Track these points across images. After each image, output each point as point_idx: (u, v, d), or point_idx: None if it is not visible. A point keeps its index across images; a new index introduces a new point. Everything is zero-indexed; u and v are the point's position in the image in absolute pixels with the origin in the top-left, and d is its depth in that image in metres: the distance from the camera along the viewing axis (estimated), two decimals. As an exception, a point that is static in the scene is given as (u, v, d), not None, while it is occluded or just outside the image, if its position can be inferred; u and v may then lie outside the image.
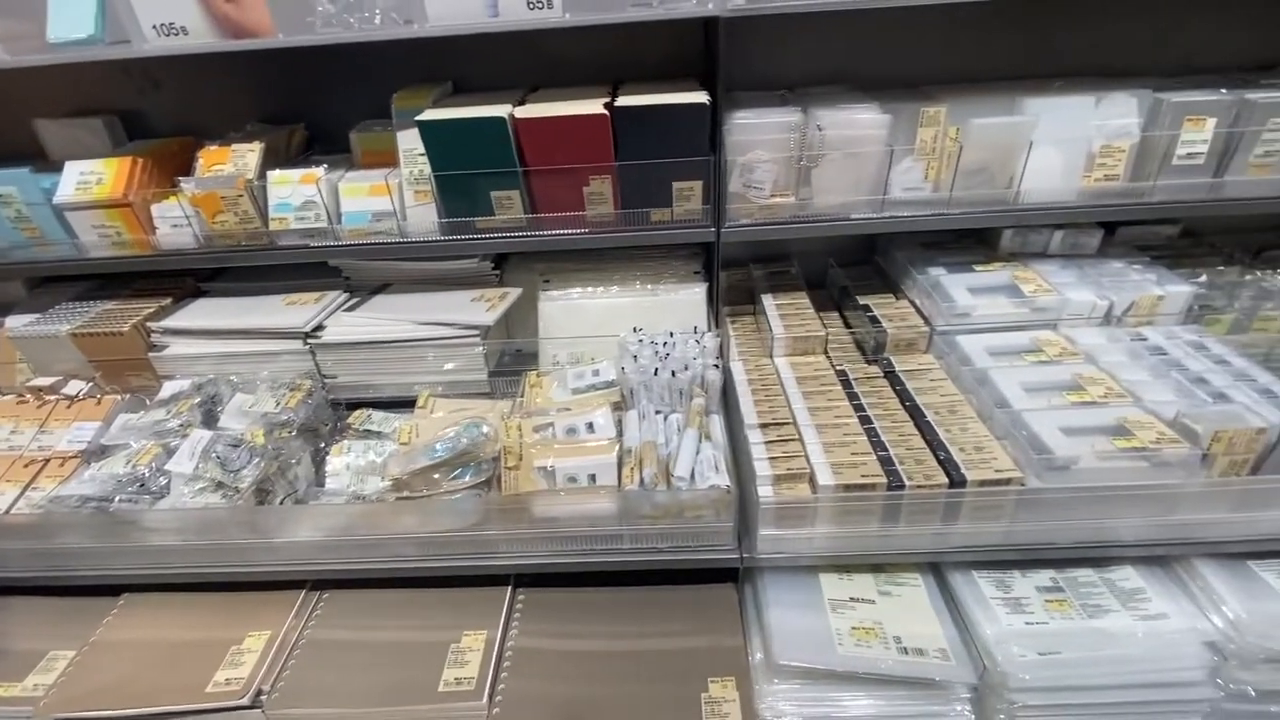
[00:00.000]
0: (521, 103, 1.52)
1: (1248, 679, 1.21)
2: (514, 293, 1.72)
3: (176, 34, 1.37)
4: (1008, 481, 1.21)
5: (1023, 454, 1.25)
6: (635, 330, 1.65)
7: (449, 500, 1.36)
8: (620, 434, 1.42)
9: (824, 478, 1.25)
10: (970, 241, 1.82)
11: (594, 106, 1.42)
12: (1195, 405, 1.28)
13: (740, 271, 1.98)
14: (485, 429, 1.44)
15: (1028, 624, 1.26)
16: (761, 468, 1.30)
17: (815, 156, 1.48)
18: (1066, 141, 1.49)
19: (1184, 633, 1.23)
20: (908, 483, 1.22)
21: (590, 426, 1.42)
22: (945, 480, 1.22)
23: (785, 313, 1.71)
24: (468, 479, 1.39)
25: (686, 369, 1.49)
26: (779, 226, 1.54)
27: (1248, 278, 1.68)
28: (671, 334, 1.62)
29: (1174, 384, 1.36)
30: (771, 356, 1.65)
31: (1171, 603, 1.28)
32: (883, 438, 1.33)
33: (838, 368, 1.59)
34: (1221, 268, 1.72)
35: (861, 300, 1.73)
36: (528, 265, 1.83)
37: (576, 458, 1.33)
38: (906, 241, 1.83)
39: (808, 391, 1.50)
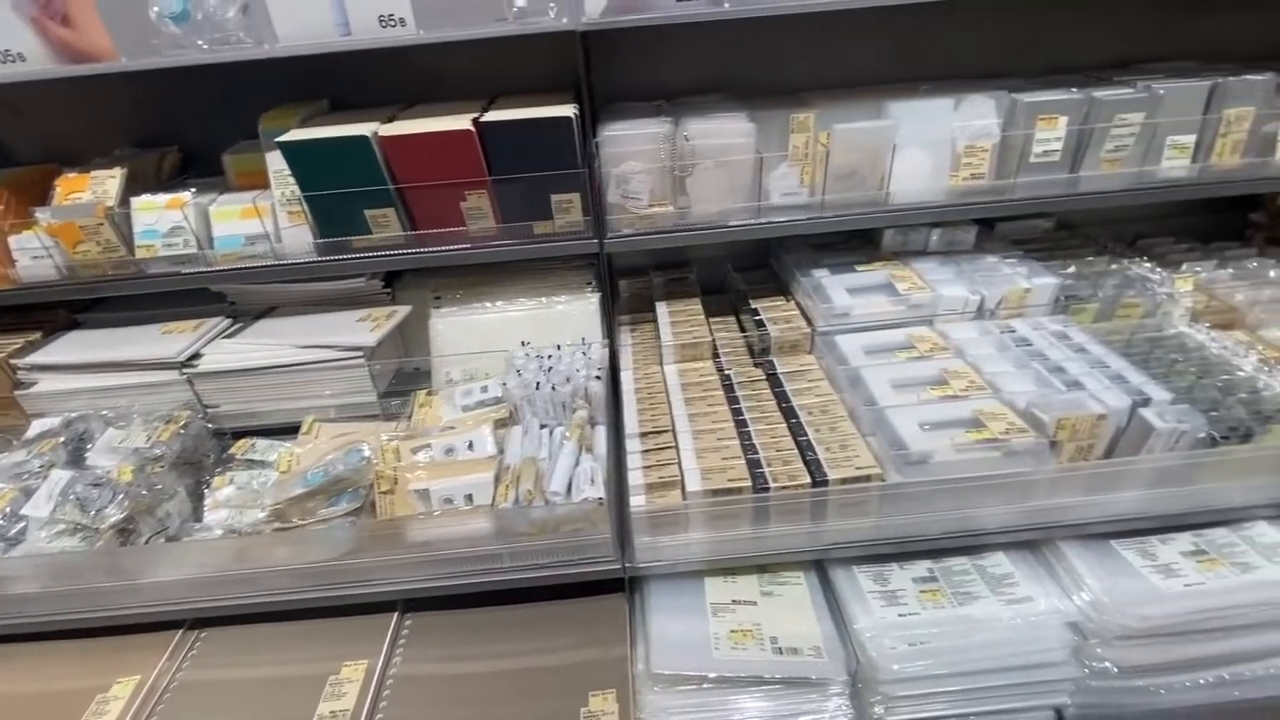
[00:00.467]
0: (392, 119, 1.50)
1: (1108, 656, 1.25)
2: (401, 311, 1.70)
3: (13, 60, 1.33)
4: (868, 478, 1.24)
5: (884, 450, 1.28)
6: (523, 344, 1.64)
7: (320, 529, 1.33)
8: (503, 450, 1.41)
9: (692, 483, 1.26)
10: (858, 242, 1.86)
11: (461, 122, 1.41)
12: (1047, 394, 1.33)
13: (642, 280, 1.99)
14: (366, 453, 1.42)
15: (900, 615, 1.28)
16: (635, 477, 1.31)
17: (687, 166, 1.50)
18: (932, 143, 1.53)
19: (1047, 615, 1.27)
20: (772, 484, 1.24)
21: (470, 445, 1.40)
22: (808, 480, 1.24)
23: (676, 319, 1.72)
24: (343, 506, 1.36)
25: (568, 381, 1.48)
26: (661, 235, 1.56)
27: (1113, 267, 1.75)
28: (559, 347, 1.61)
29: (1033, 374, 1.41)
30: (661, 364, 1.66)
31: (1038, 585, 1.32)
32: (755, 440, 1.35)
33: (725, 372, 1.60)
34: (1091, 258, 1.79)
35: (753, 304, 1.75)
36: (420, 282, 1.81)
37: (451, 478, 1.32)
38: (796, 244, 1.86)
39: (690, 398, 1.51)
